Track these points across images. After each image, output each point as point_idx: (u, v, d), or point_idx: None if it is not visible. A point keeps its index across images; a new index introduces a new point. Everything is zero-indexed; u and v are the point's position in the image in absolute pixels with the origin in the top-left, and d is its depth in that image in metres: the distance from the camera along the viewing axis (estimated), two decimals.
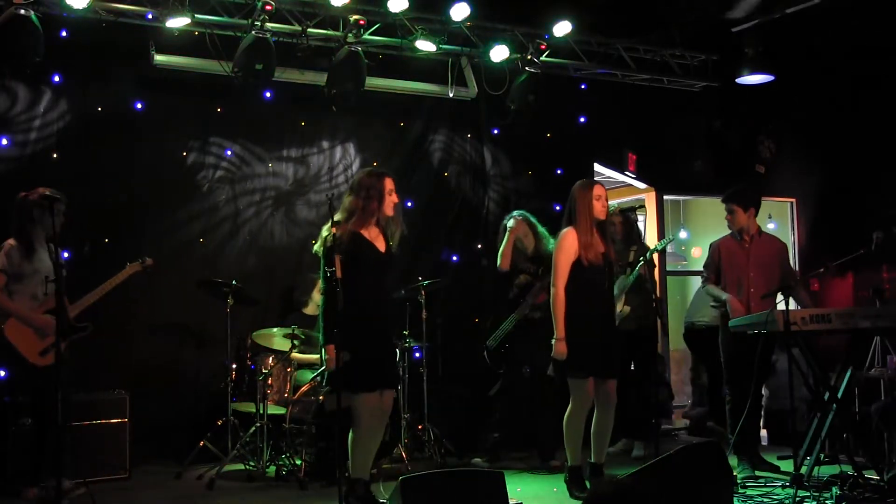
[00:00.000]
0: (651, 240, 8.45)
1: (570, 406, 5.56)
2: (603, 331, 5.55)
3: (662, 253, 8.81)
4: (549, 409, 6.45)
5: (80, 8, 6.24)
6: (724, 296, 6.38)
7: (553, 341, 5.50)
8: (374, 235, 5.12)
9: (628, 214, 6.90)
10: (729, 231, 6.63)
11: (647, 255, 6.59)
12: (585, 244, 5.48)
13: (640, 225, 6.19)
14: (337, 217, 5.05)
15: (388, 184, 5.14)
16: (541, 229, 6.69)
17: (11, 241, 5.56)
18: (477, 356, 6.77)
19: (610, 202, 6.47)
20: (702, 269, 6.74)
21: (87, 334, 5.67)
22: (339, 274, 4.99)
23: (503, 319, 6.67)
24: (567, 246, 5.52)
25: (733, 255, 6.48)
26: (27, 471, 5.60)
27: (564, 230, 5.59)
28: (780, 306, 5.51)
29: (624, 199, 9.30)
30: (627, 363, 6.97)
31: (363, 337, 4.96)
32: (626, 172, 8.91)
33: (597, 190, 5.58)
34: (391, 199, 5.13)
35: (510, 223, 6.71)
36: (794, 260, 9.40)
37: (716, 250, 6.59)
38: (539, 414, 6.62)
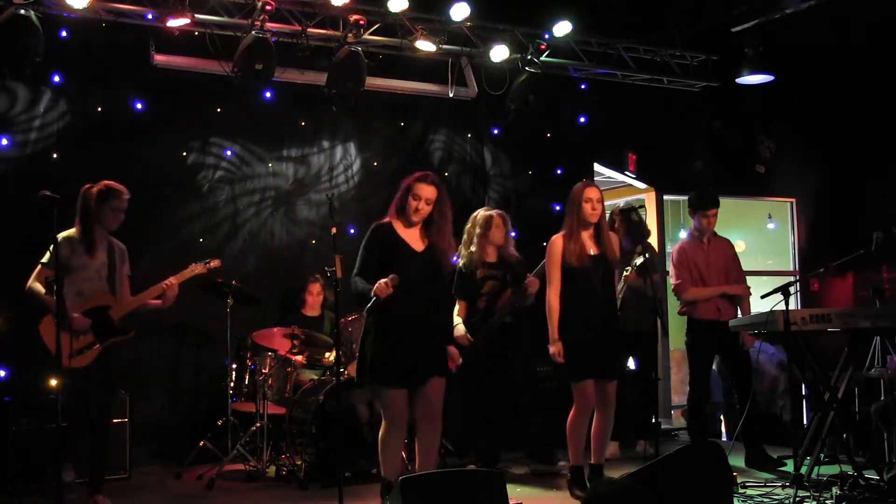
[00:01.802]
0: (653, 240, 8.43)
1: (572, 409, 5.58)
2: (601, 332, 5.55)
3: (662, 253, 8.80)
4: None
5: (80, 8, 6.23)
6: (718, 289, 6.56)
7: (549, 346, 5.54)
8: (411, 233, 5.07)
9: (629, 214, 6.90)
10: (695, 233, 6.75)
11: (632, 267, 6.53)
12: (570, 249, 5.53)
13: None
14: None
15: (417, 188, 5.03)
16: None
17: (68, 233, 5.42)
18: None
19: (611, 202, 6.48)
20: (674, 275, 6.75)
21: (130, 338, 5.53)
22: (339, 274, 4.99)
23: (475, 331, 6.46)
24: (553, 252, 5.61)
25: (695, 257, 6.68)
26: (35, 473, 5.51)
27: (553, 237, 5.66)
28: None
29: (624, 199, 9.29)
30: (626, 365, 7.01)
31: (385, 334, 4.93)
32: (626, 172, 8.91)
33: (588, 192, 5.61)
34: (416, 204, 5.01)
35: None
36: (794, 260, 9.41)
37: (683, 253, 6.74)
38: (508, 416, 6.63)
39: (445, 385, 5.09)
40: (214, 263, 5.91)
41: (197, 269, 5.84)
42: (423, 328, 4.99)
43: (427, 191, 5.04)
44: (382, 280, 4.82)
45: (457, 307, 6.54)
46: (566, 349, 5.50)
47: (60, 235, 5.35)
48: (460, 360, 5.20)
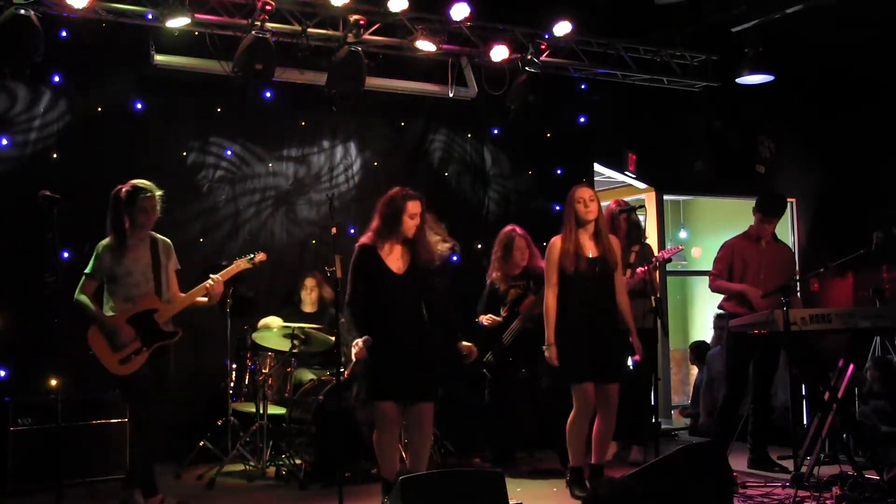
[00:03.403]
0: (652, 240, 8.43)
1: (573, 411, 5.58)
2: (600, 335, 5.55)
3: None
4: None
5: (80, 8, 6.23)
6: (739, 287, 6.47)
7: (544, 348, 5.56)
8: (391, 254, 5.10)
9: (630, 213, 6.89)
10: (752, 233, 6.67)
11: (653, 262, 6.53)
12: (565, 251, 5.54)
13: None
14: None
15: (411, 207, 5.10)
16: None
17: (108, 241, 5.35)
18: (477, 356, 6.75)
19: (608, 202, 6.48)
20: (713, 268, 6.73)
21: (176, 341, 5.46)
22: (339, 274, 5.01)
23: (497, 335, 6.65)
24: (551, 254, 5.63)
25: (746, 256, 6.59)
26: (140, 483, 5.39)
27: (553, 238, 5.68)
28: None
29: (624, 200, 9.28)
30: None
31: (375, 347, 4.99)
32: (626, 172, 8.91)
33: (578, 192, 5.63)
34: (413, 223, 5.08)
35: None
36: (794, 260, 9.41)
37: (729, 249, 6.67)
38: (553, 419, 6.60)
39: (447, 386, 5.17)
40: (260, 257, 5.89)
41: (241, 264, 5.79)
42: (410, 348, 5.07)
43: (419, 206, 5.14)
44: (361, 341, 4.95)
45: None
46: (565, 351, 5.50)
47: (101, 244, 5.34)
48: (474, 356, 5.27)
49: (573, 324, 5.52)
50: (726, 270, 6.62)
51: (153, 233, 5.50)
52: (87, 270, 5.35)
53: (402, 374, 5.01)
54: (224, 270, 5.67)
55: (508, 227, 6.82)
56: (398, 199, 5.12)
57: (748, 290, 6.42)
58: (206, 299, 5.56)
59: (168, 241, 5.57)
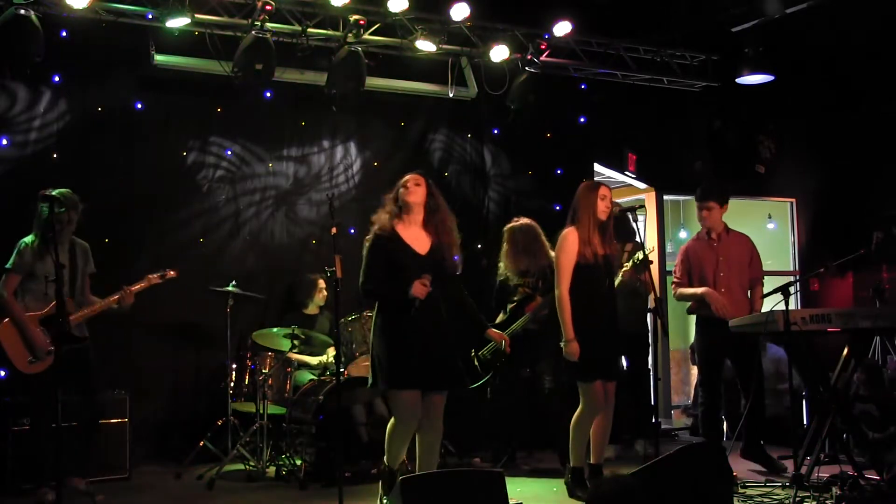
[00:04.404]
0: (650, 240, 8.43)
1: (579, 409, 5.55)
2: (607, 332, 5.53)
3: (662, 253, 8.81)
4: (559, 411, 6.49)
5: (80, 8, 6.24)
6: (700, 291, 6.32)
7: (563, 344, 5.44)
8: (412, 235, 5.05)
9: (624, 213, 6.89)
10: (702, 230, 6.58)
11: (632, 262, 6.46)
12: (585, 241, 5.43)
13: (640, 224, 6.07)
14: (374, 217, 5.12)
15: (402, 180, 5.11)
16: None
17: (30, 238, 5.55)
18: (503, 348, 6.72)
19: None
20: (674, 274, 6.62)
21: (82, 347, 5.58)
22: (339, 274, 5.00)
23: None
24: (567, 246, 5.46)
25: (702, 257, 6.43)
26: (33, 472, 5.59)
27: (565, 231, 5.54)
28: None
29: (624, 199, 9.29)
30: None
31: (396, 335, 4.94)
32: (626, 172, 8.91)
33: (602, 190, 5.55)
34: (403, 192, 5.04)
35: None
36: (794, 260, 9.42)
37: (685, 253, 6.55)
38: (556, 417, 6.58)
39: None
40: (171, 274, 5.96)
41: (153, 279, 5.88)
42: (433, 331, 4.98)
43: (412, 178, 5.09)
44: (418, 280, 4.84)
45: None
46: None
47: (25, 240, 5.50)
48: (507, 343, 5.32)
49: (586, 320, 5.43)
50: (686, 275, 6.46)
51: (73, 237, 5.65)
52: (8, 266, 5.49)
53: (424, 362, 4.90)
54: (136, 284, 5.77)
55: (515, 220, 6.77)
56: (406, 177, 5.12)
57: (707, 293, 6.26)
58: (116, 306, 5.70)
59: (86, 244, 5.73)
